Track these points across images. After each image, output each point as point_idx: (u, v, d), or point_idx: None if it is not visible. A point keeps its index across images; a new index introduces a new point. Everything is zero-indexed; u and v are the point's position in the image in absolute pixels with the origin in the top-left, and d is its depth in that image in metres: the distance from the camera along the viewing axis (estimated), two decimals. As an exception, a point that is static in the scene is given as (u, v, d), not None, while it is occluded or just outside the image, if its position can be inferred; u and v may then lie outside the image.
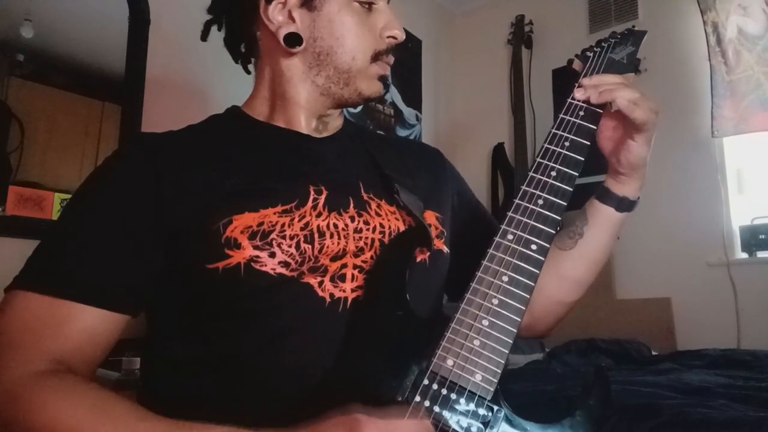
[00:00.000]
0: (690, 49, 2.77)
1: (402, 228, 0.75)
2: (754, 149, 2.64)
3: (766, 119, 2.52)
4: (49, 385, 0.58)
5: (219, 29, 0.85)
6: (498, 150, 3.26)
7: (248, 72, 0.86)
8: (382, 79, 0.79)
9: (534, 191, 0.68)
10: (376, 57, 0.77)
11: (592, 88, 0.74)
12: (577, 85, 0.76)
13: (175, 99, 2.02)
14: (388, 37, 0.78)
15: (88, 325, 0.63)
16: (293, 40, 0.76)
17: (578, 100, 0.74)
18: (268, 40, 0.79)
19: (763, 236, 2.50)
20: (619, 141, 0.77)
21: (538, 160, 0.71)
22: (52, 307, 0.62)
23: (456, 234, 0.84)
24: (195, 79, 2.07)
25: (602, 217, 0.81)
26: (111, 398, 0.59)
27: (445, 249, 0.79)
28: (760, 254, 2.51)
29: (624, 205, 0.80)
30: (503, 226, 0.67)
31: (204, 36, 0.85)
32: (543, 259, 0.64)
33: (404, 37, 0.80)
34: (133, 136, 1.22)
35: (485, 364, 0.59)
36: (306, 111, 0.79)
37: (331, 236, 0.70)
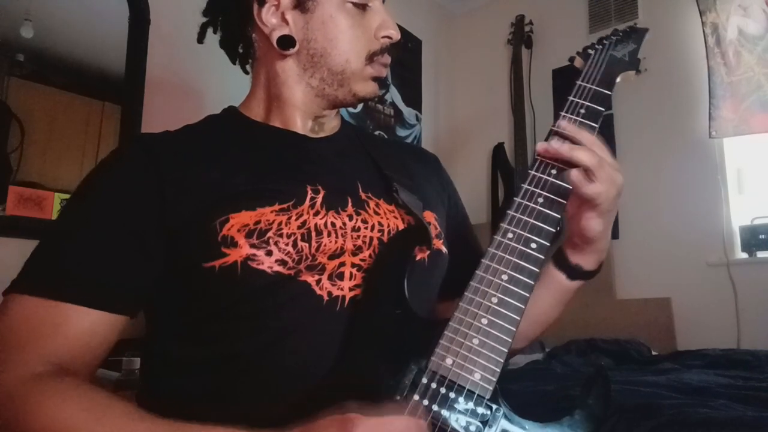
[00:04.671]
0: (690, 50, 2.77)
1: (401, 227, 0.75)
2: (754, 149, 2.64)
3: (767, 120, 2.52)
4: (47, 388, 0.58)
5: (214, 32, 0.84)
6: (498, 150, 3.26)
7: (246, 72, 0.86)
8: (377, 80, 0.79)
9: (535, 189, 0.68)
10: (370, 58, 0.77)
11: (560, 138, 0.67)
12: (562, 115, 0.70)
13: (175, 99, 2.01)
14: (383, 37, 0.78)
15: (87, 326, 0.63)
16: (286, 42, 0.76)
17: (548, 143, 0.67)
18: (263, 43, 0.79)
19: (763, 236, 2.49)
20: (577, 209, 0.70)
21: (539, 158, 0.70)
22: (50, 309, 0.62)
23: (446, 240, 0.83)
24: (195, 79, 2.07)
25: (553, 282, 0.77)
26: (109, 400, 0.58)
27: (444, 249, 0.79)
28: (760, 254, 2.50)
29: (576, 274, 0.75)
30: (503, 225, 0.67)
31: (200, 38, 0.85)
32: (543, 257, 0.64)
33: (399, 36, 0.79)
34: (132, 137, 1.22)
35: (484, 362, 0.59)
36: (302, 112, 0.79)
37: (329, 235, 0.69)
